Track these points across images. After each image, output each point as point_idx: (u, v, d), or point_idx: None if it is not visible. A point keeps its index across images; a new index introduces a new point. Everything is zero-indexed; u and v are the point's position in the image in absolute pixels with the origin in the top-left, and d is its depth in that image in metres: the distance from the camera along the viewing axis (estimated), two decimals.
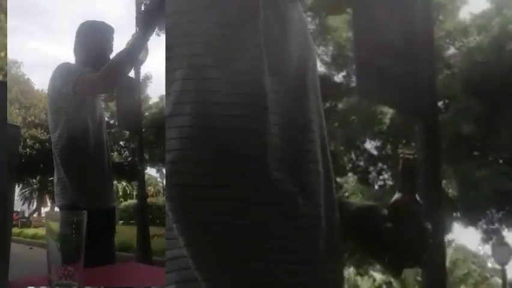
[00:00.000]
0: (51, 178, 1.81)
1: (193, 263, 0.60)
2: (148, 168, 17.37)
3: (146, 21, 1.69)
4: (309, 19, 9.56)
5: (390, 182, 9.52)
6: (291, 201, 0.61)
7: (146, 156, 14.40)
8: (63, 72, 1.68)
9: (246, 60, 0.62)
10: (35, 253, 8.26)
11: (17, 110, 17.46)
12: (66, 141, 1.68)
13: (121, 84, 1.68)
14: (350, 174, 9.79)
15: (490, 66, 8.18)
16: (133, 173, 2.00)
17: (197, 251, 0.60)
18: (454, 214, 8.77)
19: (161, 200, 13.88)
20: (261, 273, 0.59)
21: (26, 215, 20.03)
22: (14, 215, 13.08)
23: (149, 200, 9.19)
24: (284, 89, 0.65)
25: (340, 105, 9.43)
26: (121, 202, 16.99)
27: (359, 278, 8.83)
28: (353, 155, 9.94)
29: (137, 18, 7.23)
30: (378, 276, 8.67)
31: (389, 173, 9.68)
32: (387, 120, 9.03)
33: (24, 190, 21.05)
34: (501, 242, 9.21)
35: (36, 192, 20.99)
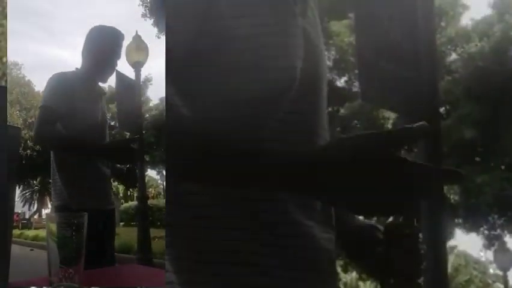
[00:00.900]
0: (51, 179, 1.81)
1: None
2: (149, 170, 17.38)
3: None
4: None
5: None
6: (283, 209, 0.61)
7: (147, 158, 14.41)
8: (45, 88, 1.71)
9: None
10: (35, 255, 8.25)
11: (17, 112, 17.50)
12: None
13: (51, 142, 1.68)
14: None
15: (491, 72, 8.18)
16: (131, 181, 1.99)
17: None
18: (456, 220, 8.74)
19: (161, 202, 13.86)
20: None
21: (27, 216, 20.03)
22: (15, 216, 13.09)
23: (149, 201, 9.18)
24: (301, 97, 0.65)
25: (342, 110, 9.43)
26: (122, 204, 16.98)
27: (361, 283, 8.80)
28: None
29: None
30: None
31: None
32: (389, 126, 9.02)
33: (24, 191, 21.05)
34: (503, 248, 9.18)
35: (37, 194, 20.99)
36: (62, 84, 1.70)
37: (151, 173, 18.91)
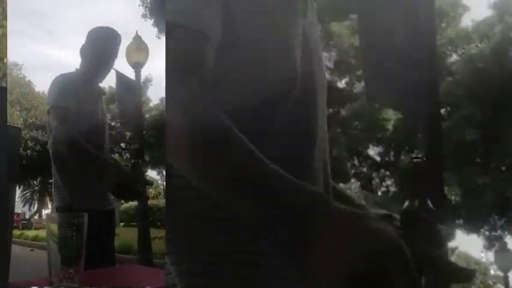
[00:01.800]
0: (52, 180, 1.81)
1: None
2: (149, 170, 17.38)
3: None
4: None
5: (393, 189, 9.49)
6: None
7: (147, 158, 14.42)
8: (51, 89, 1.73)
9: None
10: (35, 255, 8.24)
11: (18, 112, 17.52)
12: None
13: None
14: (352, 180, 9.77)
15: (492, 73, 8.18)
16: (134, 194, 1.96)
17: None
18: (457, 221, 8.73)
19: (161, 202, 13.86)
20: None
21: (27, 216, 20.02)
22: (15, 216, 13.10)
23: (150, 202, 9.18)
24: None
25: (343, 111, 9.43)
26: (122, 204, 16.99)
27: None
28: (355, 161, 9.93)
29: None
30: None
31: (392, 180, 9.65)
32: (390, 127, 9.02)
33: (25, 192, 21.06)
34: (504, 249, 9.17)
35: (37, 194, 20.99)
36: (67, 84, 1.73)
37: (151, 173, 18.94)
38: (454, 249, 10.22)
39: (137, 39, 6.03)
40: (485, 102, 8.18)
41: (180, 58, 0.59)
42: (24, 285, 1.01)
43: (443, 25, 9.12)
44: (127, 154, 17.77)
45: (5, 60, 9.83)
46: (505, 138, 8.12)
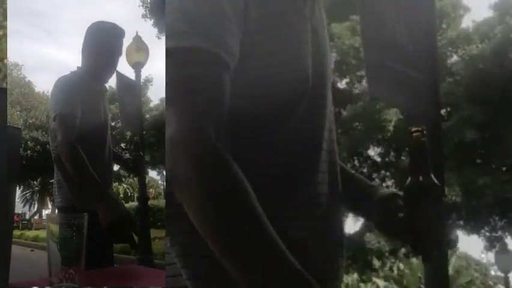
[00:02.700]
0: (53, 180, 1.80)
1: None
2: (149, 170, 17.38)
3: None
4: None
5: (393, 189, 9.48)
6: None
7: (147, 159, 14.42)
8: (56, 95, 1.63)
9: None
10: (35, 255, 8.24)
11: (18, 112, 17.52)
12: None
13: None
14: None
15: (492, 73, 8.17)
16: (139, 168, 1.94)
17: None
18: (457, 222, 8.73)
19: (162, 202, 13.85)
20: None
21: (27, 217, 20.03)
22: (15, 217, 13.09)
23: (150, 202, 9.18)
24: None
25: (344, 112, 9.43)
26: None
27: (362, 285, 8.80)
28: (356, 162, 9.93)
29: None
30: (382, 283, 8.63)
31: (392, 180, 9.64)
32: (390, 128, 9.02)
33: (25, 192, 21.06)
34: (504, 250, 9.16)
35: (37, 194, 20.99)
36: (72, 89, 1.65)
37: (152, 173, 18.93)
38: (454, 250, 10.21)
39: (137, 39, 6.03)
40: (485, 103, 8.18)
41: (196, 92, 0.54)
42: (25, 285, 1.00)
43: (444, 26, 9.12)
44: (127, 154, 17.79)
45: (5, 61, 9.83)
46: (506, 139, 8.11)
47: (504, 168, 8.59)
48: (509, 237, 9.17)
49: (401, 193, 0.71)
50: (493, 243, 9.22)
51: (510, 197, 7.84)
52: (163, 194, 19.45)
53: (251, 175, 0.53)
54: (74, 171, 1.51)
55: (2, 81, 9.87)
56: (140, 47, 5.94)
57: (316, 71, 0.65)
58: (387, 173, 9.81)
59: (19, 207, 20.25)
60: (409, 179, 0.66)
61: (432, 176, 0.65)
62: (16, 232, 13.17)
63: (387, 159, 9.81)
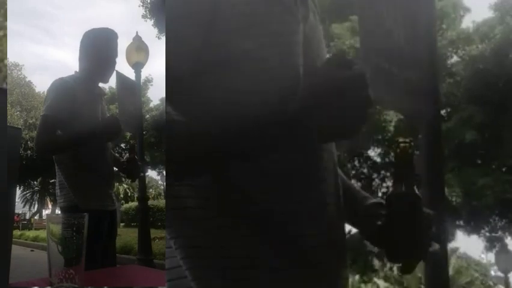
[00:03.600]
0: (53, 180, 1.81)
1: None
2: (149, 170, 17.40)
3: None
4: None
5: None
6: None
7: (147, 159, 14.43)
8: (47, 96, 1.71)
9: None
10: (36, 255, 8.25)
11: (18, 113, 17.54)
12: None
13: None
14: (353, 181, 9.76)
15: (492, 74, 8.18)
16: (133, 172, 1.98)
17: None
18: (457, 222, 8.73)
19: (162, 202, 13.87)
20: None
21: (27, 217, 20.04)
22: (15, 217, 13.09)
23: (150, 202, 9.19)
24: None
25: None
26: (122, 204, 16.99)
27: (363, 285, 8.80)
28: (356, 162, 9.93)
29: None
30: (382, 283, 8.64)
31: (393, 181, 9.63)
32: (391, 128, 9.02)
33: (25, 192, 21.08)
34: (504, 250, 9.16)
35: (37, 195, 21.01)
36: (63, 91, 1.69)
37: (152, 173, 18.96)
38: (454, 250, 10.22)
39: (138, 39, 6.03)
40: (485, 103, 8.18)
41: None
42: (25, 285, 1.01)
43: (444, 26, 9.12)
44: (127, 154, 17.77)
45: (5, 62, 9.84)
46: (506, 139, 8.12)
47: (504, 169, 8.59)
48: (509, 238, 9.18)
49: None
50: (493, 243, 9.22)
51: (510, 198, 7.84)
52: (163, 194, 19.47)
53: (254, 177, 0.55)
54: (61, 148, 1.67)
55: (2, 82, 9.88)
56: (140, 47, 5.94)
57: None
58: (388, 174, 9.81)
59: (19, 207, 20.27)
60: (392, 187, 0.68)
61: (415, 188, 0.66)
62: (16, 232, 13.18)
63: (387, 159, 9.81)
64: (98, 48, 1.79)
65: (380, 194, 9.69)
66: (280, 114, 0.59)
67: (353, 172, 9.84)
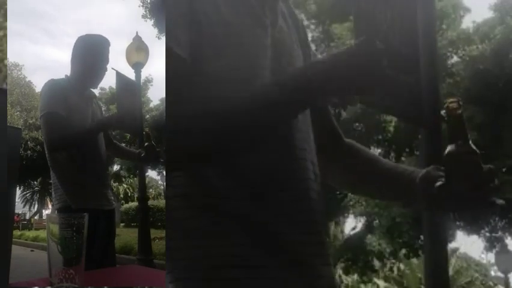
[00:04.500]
0: (52, 181, 1.83)
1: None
2: (149, 170, 17.40)
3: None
4: (313, 27, 9.59)
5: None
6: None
7: None
8: (42, 97, 1.77)
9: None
10: (36, 255, 8.25)
11: (18, 113, 17.55)
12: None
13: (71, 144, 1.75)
14: None
15: (492, 74, 8.18)
16: (153, 157, 2.00)
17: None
18: (457, 222, 8.73)
19: (162, 202, 13.88)
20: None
21: (27, 217, 20.05)
22: (15, 217, 13.09)
23: (150, 202, 9.20)
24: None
25: (344, 113, 9.43)
26: (122, 204, 17.00)
27: (362, 285, 8.80)
28: None
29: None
30: (382, 283, 8.64)
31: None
32: (391, 128, 9.02)
33: (25, 192, 21.09)
34: (504, 250, 9.16)
35: (37, 195, 21.02)
36: (57, 90, 1.75)
37: (152, 173, 18.96)
38: (454, 251, 10.22)
39: (138, 39, 6.04)
40: (485, 104, 8.18)
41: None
42: (25, 285, 1.01)
43: (444, 26, 9.12)
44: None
45: (5, 62, 9.84)
46: (506, 140, 8.12)
47: (504, 169, 8.59)
48: (509, 238, 9.18)
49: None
50: (493, 243, 9.22)
51: (510, 198, 7.84)
52: (163, 194, 19.48)
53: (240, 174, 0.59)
54: (74, 141, 1.71)
55: (2, 82, 9.88)
56: (140, 47, 5.95)
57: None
58: None
59: (19, 207, 20.28)
60: (448, 147, 0.68)
61: (471, 143, 0.67)
62: (16, 232, 13.19)
63: (387, 159, 9.80)
64: (92, 54, 1.84)
65: None
66: (254, 116, 0.60)
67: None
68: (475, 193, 0.66)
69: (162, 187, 20.56)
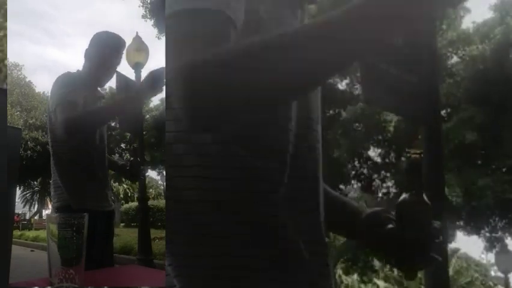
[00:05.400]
0: (52, 180, 1.82)
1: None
2: (149, 170, 17.40)
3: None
4: None
5: (394, 190, 9.49)
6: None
7: (147, 159, 14.43)
8: (56, 87, 1.68)
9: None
10: (36, 255, 8.24)
11: (18, 113, 17.55)
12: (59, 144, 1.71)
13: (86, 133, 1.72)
14: (353, 181, 9.78)
15: (492, 74, 8.18)
16: (135, 173, 2.03)
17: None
18: (457, 222, 8.73)
19: (162, 202, 13.87)
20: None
21: (27, 217, 20.04)
22: (15, 217, 13.09)
23: (150, 202, 9.20)
24: None
25: (344, 113, 9.43)
26: (122, 204, 17.00)
27: (362, 286, 8.80)
28: (356, 163, 9.93)
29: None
30: (382, 284, 8.63)
31: (393, 181, 9.65)
32: (391, 128, 9.02)
33: (25, 192, 21.08)
34: (504, 250, 9.17)
35: (38, 195, 21.01)
36: (73, 82, 1.70)
37: (152, 173, 18.96)
38: (455, 251, 10.22)
39: (138, 39, 6.04)
40: (485, 104, 8.18)
41: (198, 36, 0.53)
42: (25, 285, 1.01)
43: (444, 27, 9.12)
44: (127, 154, 17.81)
45: (5, 62, 9.84)
46: (506, 140, 8.12)
47: (504, 169, 8.58)
48: (509, 238, 9.19)
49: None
50: (493, 243, 9.22)
51: (510, 198, 7.84)
52: (163, 194, 19.47)
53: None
54: (95, 123, 1.66)
55: (2, 82, 9.87)
56: (140, 47, 5.95)
57: None
58: (388, 174, 9.81)
59: (19, 207, 20.26)
60: (402, 195, 0.70)
61: (424, 195, 0.69)
62: (16, 232, 13.17)
63: (387, 160, 9.80)
64: (107, 52, 1.80)
65: (380, 195, 9.70)
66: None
67: (353, 172, 9.83)
68: (419, 244, 0.67)
69: (162, 187, 20.54)
